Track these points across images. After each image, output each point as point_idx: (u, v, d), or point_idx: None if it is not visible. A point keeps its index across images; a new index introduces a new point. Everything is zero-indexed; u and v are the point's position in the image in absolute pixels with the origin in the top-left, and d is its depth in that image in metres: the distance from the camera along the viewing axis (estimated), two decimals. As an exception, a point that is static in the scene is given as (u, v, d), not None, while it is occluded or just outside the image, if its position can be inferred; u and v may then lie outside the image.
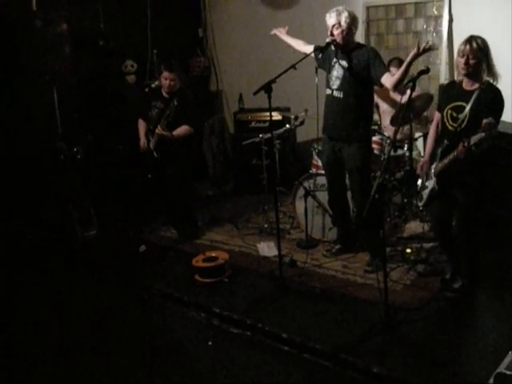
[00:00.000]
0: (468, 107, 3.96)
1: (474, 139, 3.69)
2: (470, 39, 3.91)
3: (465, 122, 3.97)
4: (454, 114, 4.06)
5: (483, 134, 3.64)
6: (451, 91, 4.17)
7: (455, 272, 4.51)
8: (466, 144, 3.75)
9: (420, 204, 4.54)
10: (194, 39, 8.28)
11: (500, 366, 3.29)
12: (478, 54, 3.87)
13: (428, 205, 4.45)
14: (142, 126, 6.06)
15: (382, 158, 5.62)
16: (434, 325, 4.13)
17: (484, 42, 3.92)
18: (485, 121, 3.76)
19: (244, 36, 8.02)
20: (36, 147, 6.10)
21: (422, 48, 4.10)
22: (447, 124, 4.12)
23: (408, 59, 4.27)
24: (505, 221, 5.12)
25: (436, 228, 4.59)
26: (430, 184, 4.29)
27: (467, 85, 4.03)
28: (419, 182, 4.48)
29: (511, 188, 5.09)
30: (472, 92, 3.97)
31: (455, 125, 4.03)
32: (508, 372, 3.22)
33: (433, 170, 4.26)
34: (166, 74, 5.73)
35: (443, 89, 4.41)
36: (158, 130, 5.68)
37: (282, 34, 5.43)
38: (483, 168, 4.05)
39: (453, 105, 4.08)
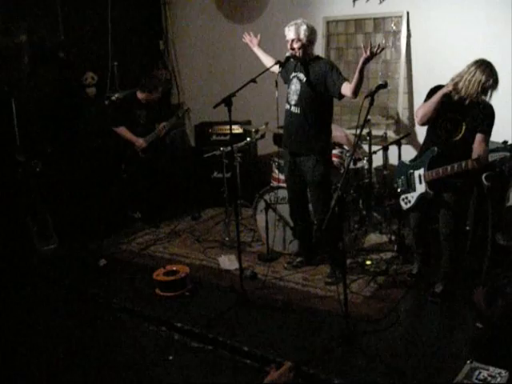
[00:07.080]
0: (465, 121, 4.21)
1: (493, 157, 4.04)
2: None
3: (461, 135, 4.23)
4: (449, 126, 4.28)
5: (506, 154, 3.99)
6: (449, 101, 4.25)
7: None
8: (476, 161, 4.05)
9: (405, 207, 4.64)
10: (155, 52, 8.25)
11: (458, 376, 3.35)
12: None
13: (414, 208, 4.60)
14: (126, 131, 6.53)
15: (342, 170, 5.67)
16: (394, 336, 4.17)
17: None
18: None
19: (205, 49, 8.02)
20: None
21: (368, 52, 4.16)
22: (440, 132, 4.33)
23: (359, 66, 4.28)
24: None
25: (417, 229, 4.74)
26: (420, 189, 4.43)
27: (465, 99, 4.18)
28: (398, 182, 4.67)
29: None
30: (469, 107, 4.18)
31: (447, 135, 4.28)
32: (466, 381, 3.28)
33: (421, 177, 4.42)
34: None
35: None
36: (159, 131, 6.63)
37: (253, 45, 5.44)
38: (473, 174, 4.27)
39: (449, 116, 4.28)
